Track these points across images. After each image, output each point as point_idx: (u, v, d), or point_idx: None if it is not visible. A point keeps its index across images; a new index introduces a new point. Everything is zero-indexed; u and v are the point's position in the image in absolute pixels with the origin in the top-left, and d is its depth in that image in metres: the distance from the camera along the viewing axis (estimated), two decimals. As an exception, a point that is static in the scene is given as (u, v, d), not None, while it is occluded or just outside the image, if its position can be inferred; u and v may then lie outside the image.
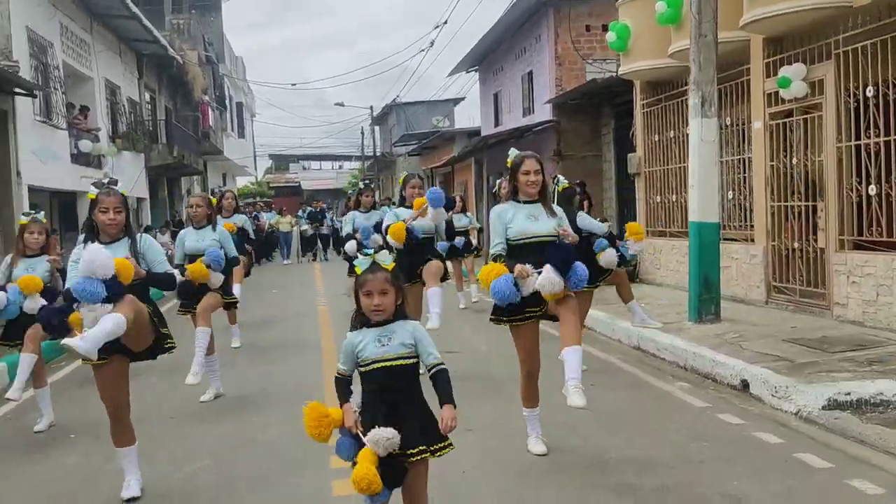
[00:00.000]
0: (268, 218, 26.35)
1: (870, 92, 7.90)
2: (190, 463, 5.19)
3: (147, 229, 19.50)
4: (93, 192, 4.38)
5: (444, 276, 7.41)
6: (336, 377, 3.39)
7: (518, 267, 4.57)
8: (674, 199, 12.27)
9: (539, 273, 4.53)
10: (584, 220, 7.40)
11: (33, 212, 6.27)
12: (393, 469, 3.19)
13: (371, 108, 45.19)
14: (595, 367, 7.49)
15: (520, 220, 4.81)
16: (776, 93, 9.33)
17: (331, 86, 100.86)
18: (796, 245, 9.37)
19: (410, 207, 7.24)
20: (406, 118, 38.07)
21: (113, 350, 4.15)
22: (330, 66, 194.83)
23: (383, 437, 3.14)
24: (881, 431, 5.22)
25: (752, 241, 10.23)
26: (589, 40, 17.81)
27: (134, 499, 4.43)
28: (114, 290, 3.95)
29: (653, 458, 4.88)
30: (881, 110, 7.83)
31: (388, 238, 6.98)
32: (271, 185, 60.18)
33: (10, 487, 4.92)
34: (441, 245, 7.68)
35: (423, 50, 33.78)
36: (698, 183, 8.89)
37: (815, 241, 9.02)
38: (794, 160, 9.31)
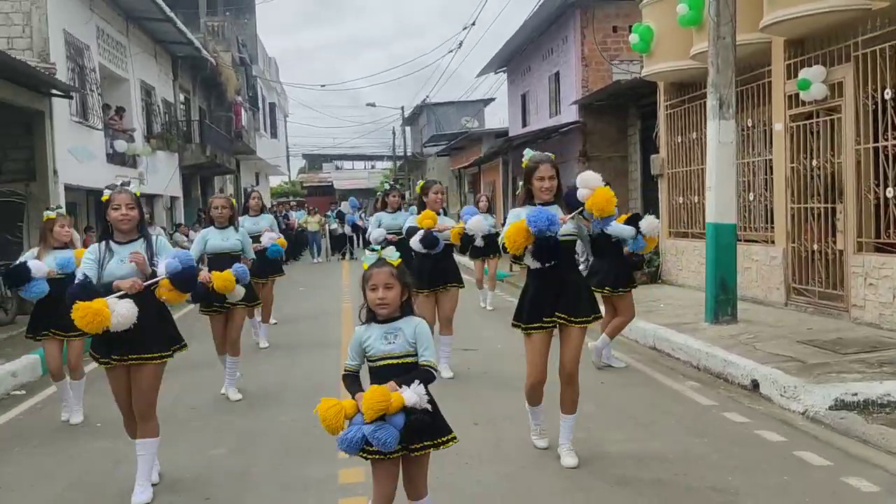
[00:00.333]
0: (298, 217, 26.67)
1: (888, 94, 7.90)
2: (209, 450, 5.42)
3: (177, 226, 19.92)
4: (106, 193, 4.58)
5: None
6: (343, 374, 3.46)
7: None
8: (696, 201, 12.28)
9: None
10: (614, 227, 7.40)
11: (56, 208, 6.56)
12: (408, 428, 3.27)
13: (402, 108, 45.53)
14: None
15: None
16: (797, 95, 9.33)
17: (363, 86, 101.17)
18: (816, 247, 9.36)
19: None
20: (436, 119, 38.30)
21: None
22: (364, 66, 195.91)
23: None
24: (885, 431, 5.27)
25: (773, 242, 10.23)
26: (616, 41, 17.83)
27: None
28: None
29: (653, 452, 4.99)
30: (899, 112, 7.83)
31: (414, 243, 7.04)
32: (304, 184, 60.80)
33: (41, 475, 5.17)
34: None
35: (451, 51, 33.92)
36: (716, 184, 8.93)
37: (835, 243, 9.02)
38: (815, 162, 9.30)
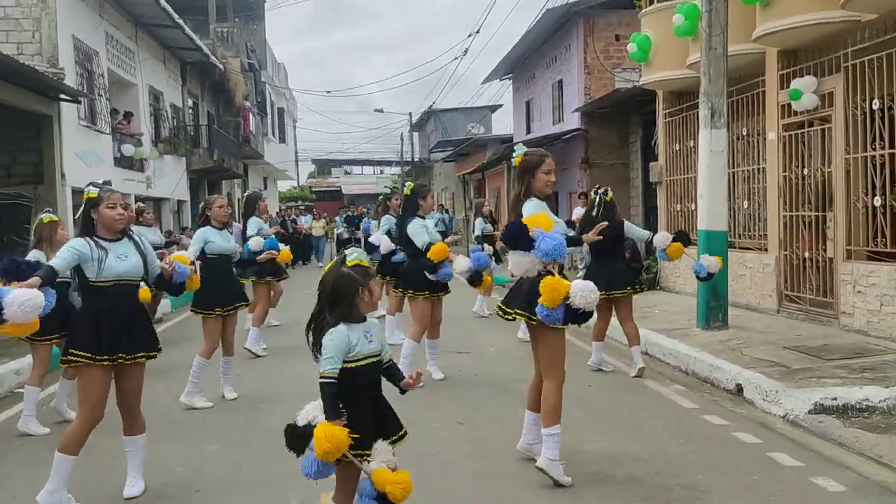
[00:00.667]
0: (305, 222, 26.95)
1: (875, 104, 8.03)
2: (202, 446, 5.59)
3: (184, 230, 20.14)
4: (92, 191, 4.52)
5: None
6: (328, 382, 3.29)
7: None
8: (693, 208, 12.38)
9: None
10: (631, 229, 7.61)
11: (50, 210, 6.70)
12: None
13: (410, 114, 45.78)
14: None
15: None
16: (790, 104, 9.46)
17: (370, 92, 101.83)
18: (807, 255, 9.48)
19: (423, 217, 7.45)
20: (443, 125, 38.52)
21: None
22: (372, 71, 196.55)
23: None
24: (860, 435, 5.39)
25: (766, 250, 10.36)
26: (618, 49, 18.00)
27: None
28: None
29: (629, 451, 5.14)
30: (886, 123, 7.96)
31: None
32: (313, 189, 61.15)
33: (40, 469, 5.35)
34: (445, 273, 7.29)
35: (456, 58, 34.12)
36: (707, 192, 9.08)
37: (825, 251, 9.14)
38: (806, 171, 9.43)
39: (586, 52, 18.14)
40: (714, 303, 9.08)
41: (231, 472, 5.01)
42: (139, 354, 4.52)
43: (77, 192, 14.73)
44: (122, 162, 17.82)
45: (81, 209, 4.59)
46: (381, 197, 10.11)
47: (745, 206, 10.99)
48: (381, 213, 10.26)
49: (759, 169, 10.65)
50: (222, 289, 6.90)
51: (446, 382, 7.31)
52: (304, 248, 26.28)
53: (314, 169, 68.71)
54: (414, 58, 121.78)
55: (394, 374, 3.61)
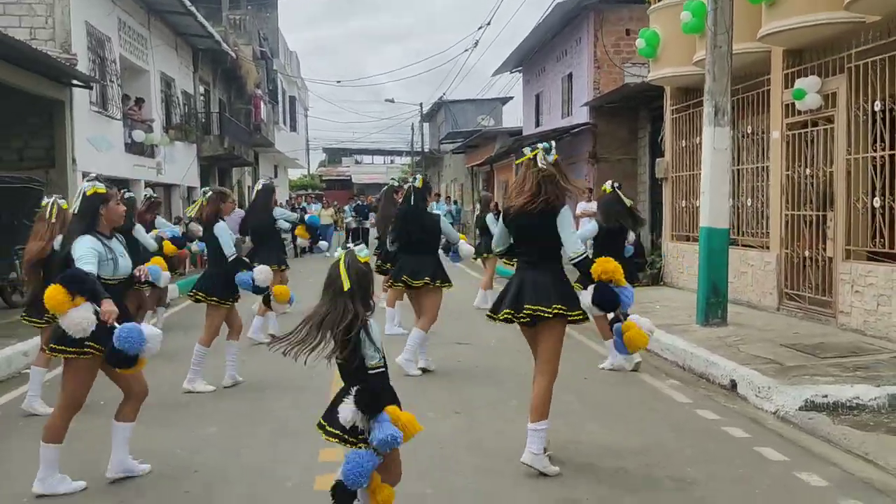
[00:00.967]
0: (315, 210, 27.04)
1: (877, 106, 8.07)
2: (202, 429, 5.73)
3: (192, 218, 20.29)
4: (100, 186, 4.63)
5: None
6: (382, 371, 3.44)
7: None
8: (698, 205, 12.42)
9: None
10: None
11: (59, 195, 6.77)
12: None
13: (421, 105, 45.81)
14: (595, 361, 7.84)
15: None
16: (794, 104, 9.50)
17: (381, 82, 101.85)
18: (807, 253, 9.54)
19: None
20: (453, 116, 38.55)
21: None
22: (383, 61, 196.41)
23: None
24: (848, 432, 5.49)
25: (767, 248, 10.42)
26: (629, 44, 17.95)
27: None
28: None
29: (619, 444, 5.25)
30: (887, 124, 8.00)
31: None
32: (323, 177, 61.29)
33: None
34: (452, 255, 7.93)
35: (466, 50, 34.15)
36: (709, 189, 9.14)
37: (825, 250, 9.20)
38: (808, 170, 9.48)
39: (596, 46, 18.15)
40: (714, 299, 9.15)
41: (230, 455, 5.15)
42: None
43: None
44: (133, 148, 17.99)
45: (84, 203, 4.61)
46: (387, 188, 9.92)
47: (749, 204, 11.04)
48: (384, 206, 10.03)
49: (763, 167, 10.70)
50: (229, 278, 6.93)
51: (445, 372, 7.43)
52: (313, 237, 26.31)
53: (325, 158, 68.87)
54: (425, 48, 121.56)
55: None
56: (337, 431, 3.43)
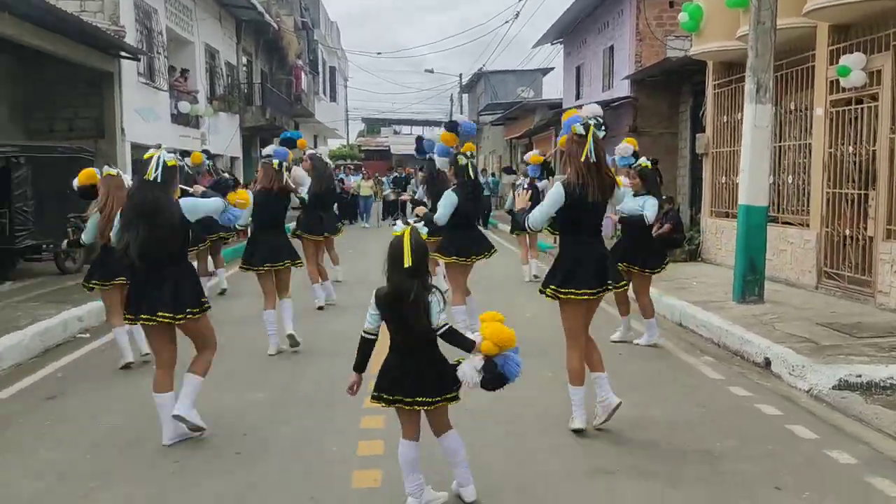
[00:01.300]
0: (354, 181, 27.21)
1: (924, 84, 7.97)
2: (249, 394, 6.00)
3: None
4: (185, 161, 5.14)
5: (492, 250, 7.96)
6: (450, 327, 3.93)
7: None
8: (738, 181, 12.35)
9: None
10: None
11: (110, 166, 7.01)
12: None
13: (460, 75, 45.61)
14: (630, 338, 7.94)
15: None
16: (838, 80, 9.40)
17: (421, 54, 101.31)
18: (848, 232, 9.49)
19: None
20: (493, 87, 38.36)
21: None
22: (423, 32, 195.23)
23: None
24: (880, 412, 5.55)
25: (808, 226, 10.37)
26: (672, 17, 17.75)
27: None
28: None
29: (651, 417, 5.38)
30: (933, 103, 7.91)
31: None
32: (362, 148, 61.53)
33: (102, 408, 5.82)
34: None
35: (507, 21, 33.84)
36: (749, 167, 9.13)
37: (865, 229, 9.14)
38: (851, 148, 9.40)
39: (638, 18, 17.97)
40: (751, 277, 9.17)
41: (275, 419, 5.39)
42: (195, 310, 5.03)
43: (136, 147, 15.26)
44: (179, 119, 18.35)
45: (179, 174, 5.18)
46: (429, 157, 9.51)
47: (790, 181, 10.97)
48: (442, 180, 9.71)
49: (805, 144, 10.61)
50: (267, 246, 7.36)
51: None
52: (350, 207, 26.38)
53: (364, 128, 69.07)
54: (466, 18, 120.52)
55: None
56: (441, 396, 3.85)
